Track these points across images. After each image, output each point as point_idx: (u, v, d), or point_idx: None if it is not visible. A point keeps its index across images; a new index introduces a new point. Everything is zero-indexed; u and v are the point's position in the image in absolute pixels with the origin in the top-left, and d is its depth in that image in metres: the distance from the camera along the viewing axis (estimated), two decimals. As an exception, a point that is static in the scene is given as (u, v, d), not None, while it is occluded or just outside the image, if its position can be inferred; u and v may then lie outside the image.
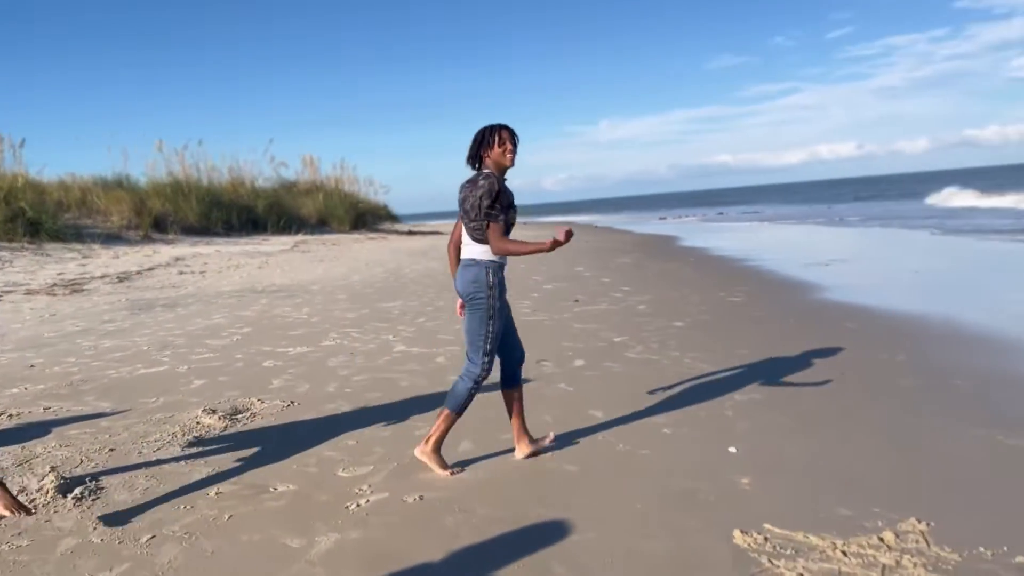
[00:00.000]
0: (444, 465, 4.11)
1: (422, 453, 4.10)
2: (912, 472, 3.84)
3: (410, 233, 33.88)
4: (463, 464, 4.24)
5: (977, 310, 8.25)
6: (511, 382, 4.22)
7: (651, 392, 5.53)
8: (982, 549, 2.97)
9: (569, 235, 3.49)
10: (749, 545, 3.11)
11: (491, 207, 3.76)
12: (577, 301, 10.22)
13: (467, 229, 3.91)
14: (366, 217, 33.34)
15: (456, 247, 4.09)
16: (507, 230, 3.85)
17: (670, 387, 5.67)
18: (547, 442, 4.42)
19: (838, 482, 3.75)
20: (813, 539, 3.13)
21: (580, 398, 5.49)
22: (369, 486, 3.98)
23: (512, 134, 3.91)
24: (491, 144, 3.87)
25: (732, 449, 4.29)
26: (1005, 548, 2.96)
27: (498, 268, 3.91)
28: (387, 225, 36.00)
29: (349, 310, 10.28)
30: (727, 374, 5.96)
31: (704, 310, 9.10)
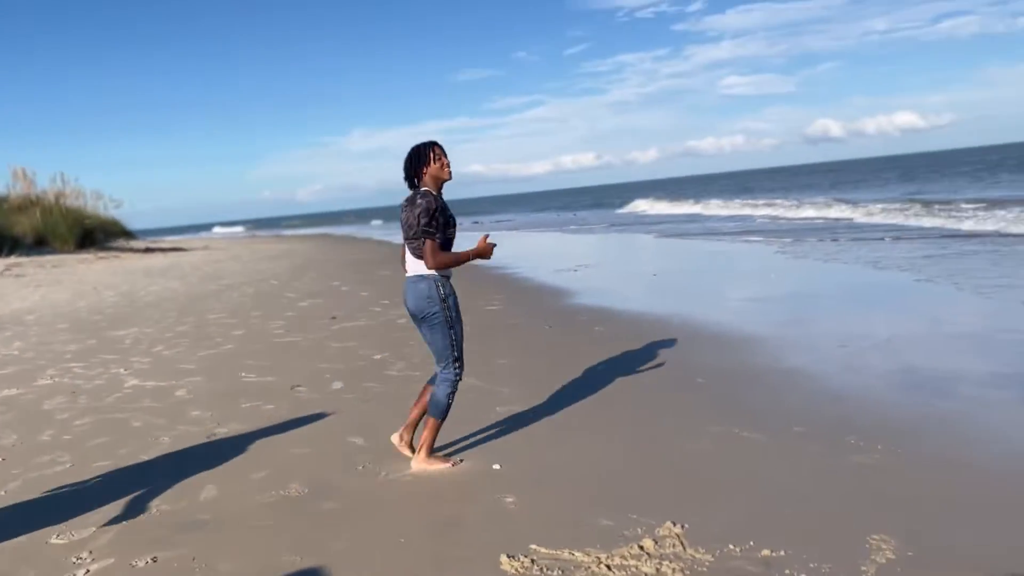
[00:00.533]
0: (444, 460, 4.24)
1: (419, 463, 4.18)
2: (664, 473, 3.98)
3: (148, 250, 31.17)
4: (203, 521, 3.79)
5: (708, 308, 8.98)
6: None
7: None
8: (731, 546, 3.09)
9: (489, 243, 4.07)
10: (516, 570, 3.01)
11: (428, 224, 3.89)
12: (334, 318, 9.83)
13: (409, 247, 4.04)
14: (95, 234, 30.15)
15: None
16: (448, 246, 4.03)
17: (432, 405, 5.52)
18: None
19: (598, 491, 3.79)
20: (579, 556, 3.10)
21: (338, 424, 5.19)
22: (90, 553, 3.42)
23: (443, 149, 4.09)
24: (427, 161, 4.01)
25: (496, 466, 4.22)
26: (751, 543, 3.11)
27: (446, 280, 4.06)
28: (121, 242, 32.82)
29: (72, 341, 9.11)
30: (489, 386, 5.93)
31: (464, 320, 9.08)
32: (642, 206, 43.95)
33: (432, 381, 4.27)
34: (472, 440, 4.69)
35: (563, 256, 18.21)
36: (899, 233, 16.73)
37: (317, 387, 6.25)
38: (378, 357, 7.27)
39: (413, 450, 4.29)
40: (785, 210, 28.04)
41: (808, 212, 26.06)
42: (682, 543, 3.14)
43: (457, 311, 4.10)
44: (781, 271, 12.34)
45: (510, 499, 3.75)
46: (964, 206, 21.17)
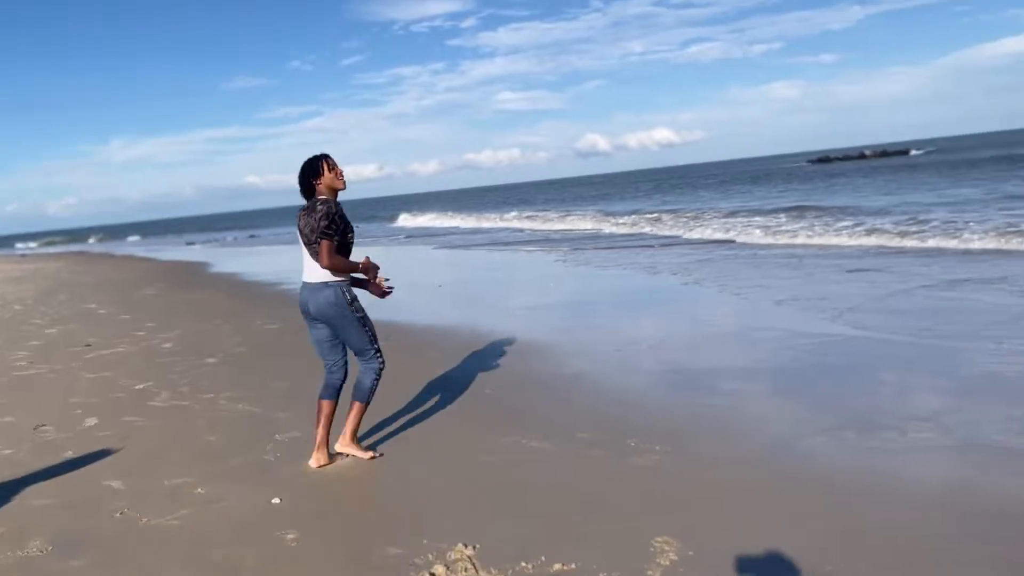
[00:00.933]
0: (364, 450, 4.43)
1: (343, 446, 4.39)
2: (455, 492, 3.88)
3: None
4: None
5: (494, 317, 9.06)
6: (333, 394, 4.42)
7: (181, 446, 4.88)
8: (524, 563, 3.04)
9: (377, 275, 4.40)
10: (300, 616, 2.78)
11: (327, 227, 4.06)
12: (89, 345, 8.85)
13: (311, 253, 4.17)
14: None
15: None
16: (346, 251, 4.22)
17: (204, 437, 5.07)
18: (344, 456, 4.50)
19: (386, 518, 3.62)
20: (367, 591, 2.91)
21: (91, 468, 4.60)
22: None
23: (334, 160, 4.26)
24: (320, 172, 4.20)
25: (276, 500, 3.92)
26: (543, 558, 3.08)
27: (349, 284, 4.26)
28: None
29: None
30: (266, 412, 5.56)
31: (239, 342, 8.53)
32: (406, 220, 43.67)
33: (323, 395, 4.41)
34: (248, 472, 4.34)
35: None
36: (667, 241, 17.99)
37: (66, 425, 5.54)
38: (140, 387, 6.60)
39: (328, 453, 4.40)
40: (553, 222, 29.21)
41: (578, 223, 27.37)
42: (474, 566, 3.06)
43: (363, 310, 4.30)
44: (561, 279, 12.79)
45: (291, 535, 3.48)
46: (710, 215, 23.18)
